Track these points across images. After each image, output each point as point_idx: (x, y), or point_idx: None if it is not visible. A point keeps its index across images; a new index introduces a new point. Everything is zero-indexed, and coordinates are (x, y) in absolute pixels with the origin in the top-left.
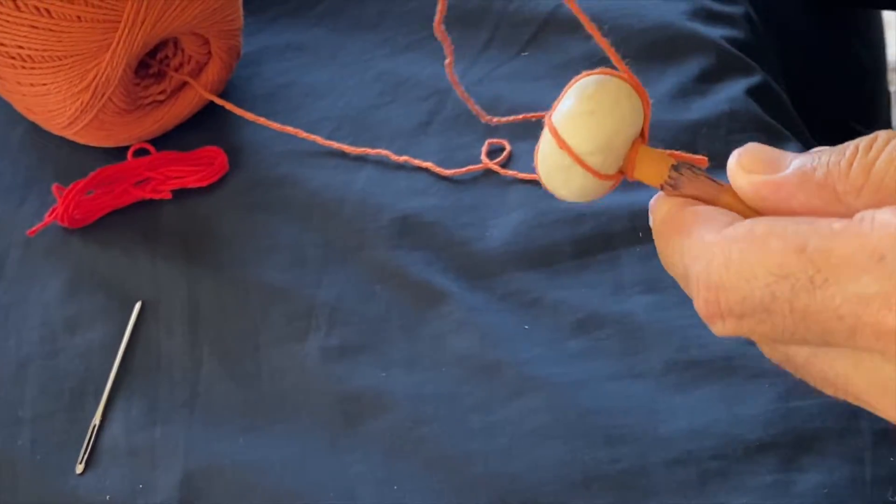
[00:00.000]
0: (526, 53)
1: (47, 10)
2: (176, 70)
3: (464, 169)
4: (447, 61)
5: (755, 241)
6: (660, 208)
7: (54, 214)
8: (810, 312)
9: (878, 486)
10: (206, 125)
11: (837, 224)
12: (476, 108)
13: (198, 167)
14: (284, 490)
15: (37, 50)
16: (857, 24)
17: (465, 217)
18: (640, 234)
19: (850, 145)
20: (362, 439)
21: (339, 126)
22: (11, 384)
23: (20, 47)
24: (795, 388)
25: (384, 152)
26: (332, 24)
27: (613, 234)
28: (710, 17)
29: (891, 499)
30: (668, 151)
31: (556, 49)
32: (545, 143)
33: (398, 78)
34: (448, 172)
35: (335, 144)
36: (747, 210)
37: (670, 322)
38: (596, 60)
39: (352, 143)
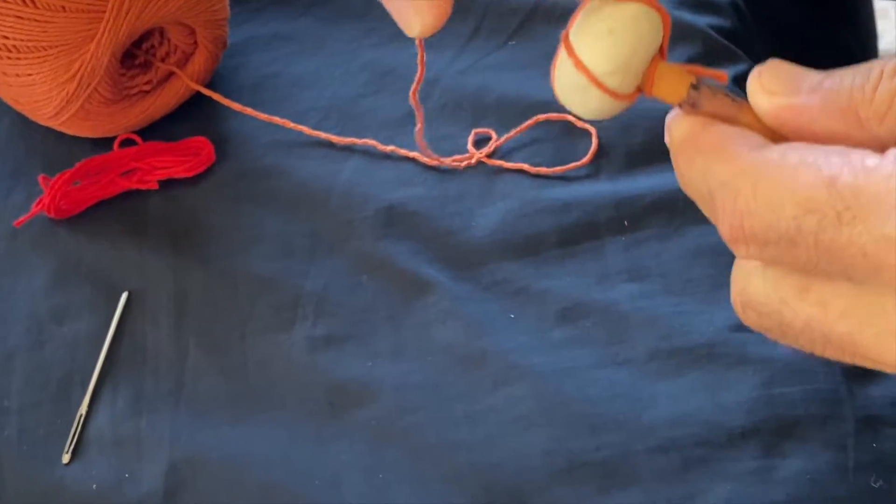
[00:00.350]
0: (513, 42)
1: (32, 1)
2: (162, 60)
3: (450, 159)
4: (417, 128)
5: (785, 170)
6: (679, 126)
7: (41, 205)
8: (836, 247)
9: (861, 473)
10: (192, 115)
11: (871, 160)
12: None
13: (184, 158)
14: (270, 480)
15: (22, 40)
16: (846, 14)
17: (452, 207)
18: (626, 223)
19: (874, 68)
20: (348, 428)
21: (325, 116)
22: None
23: (5, 38)
24: (778, 376)
25: (371, 142)
26: (319, 13)
27: (599, 224)
28: (698, 5)
29: (873, 485)
30: (688, 67)
31: (543, 38)
32: (561, 61)
33: (385, 68)
34: (434, 162)
35: (322, 134)
36: (768, 130)
37: (654, 310)
38: None
39: (338, 133)
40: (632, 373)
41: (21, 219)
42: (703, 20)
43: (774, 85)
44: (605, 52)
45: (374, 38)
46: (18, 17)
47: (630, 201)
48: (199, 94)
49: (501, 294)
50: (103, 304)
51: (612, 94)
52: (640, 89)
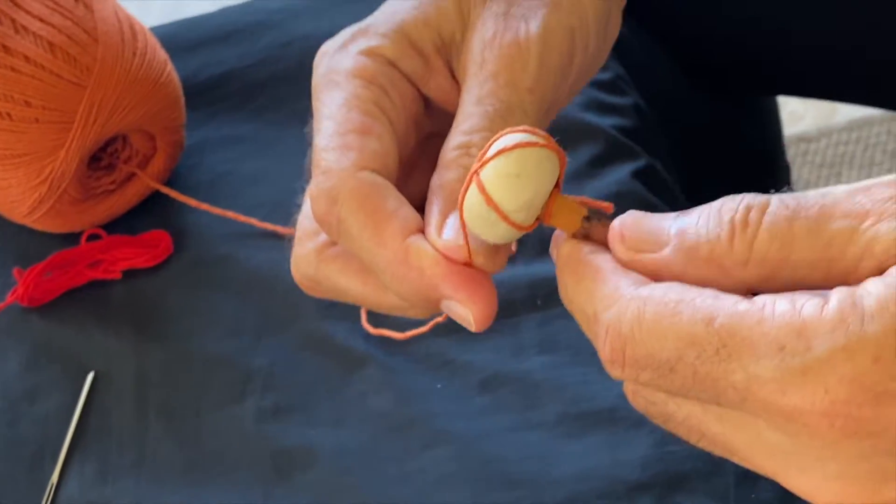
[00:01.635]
0: None
1: (8, 114)
2: (125, 162)
3: None
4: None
5: (668, 306)
6: (566, 246)
7: (15, 295)
8: (710, 378)
9: None
10: (152, 211)
11: (742, 305)
12: None
13: (145, 249)
14: None
15: None
16: (747, 107)
17: None
18: (539, 302)
19: (725, 218)
20: (293, 490)
21: (274, 209)
22: None
23: None
24: (669, 436)
25: None
26: (270, 117)
27: (515, 302)
28: (601, 107)
29: None
30: (580, 199)
31: None
32: (473, 195)
33: None
34: None
35: (270, 226)
36: None
37: (563, 379)
38: None
39: (285, 225)
40: (542, 435)
41: None
42: (606, 121)
43: (637, 243)
44: (513, 193)
45: None
46: None
47: (543, 283)
48: (158, 191)
49: (430, 366)
50: (71, 383)
51: (517, 226)
52: (539, 220)
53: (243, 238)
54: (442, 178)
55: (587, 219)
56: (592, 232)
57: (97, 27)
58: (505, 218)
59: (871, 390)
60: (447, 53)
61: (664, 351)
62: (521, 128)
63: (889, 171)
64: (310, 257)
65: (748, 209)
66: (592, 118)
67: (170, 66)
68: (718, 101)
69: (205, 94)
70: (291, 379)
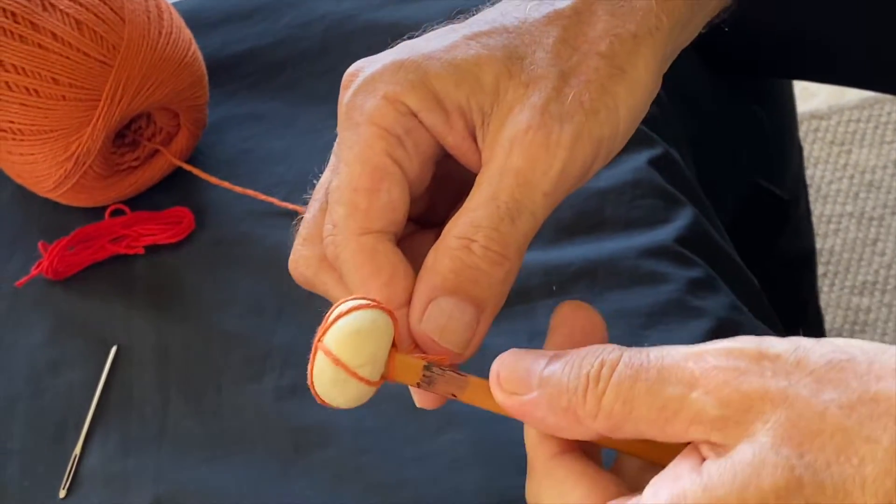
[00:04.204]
0: None
1: (35, 91)
2: (149, 139)
3: None
4: None
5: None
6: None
7: (40, 268)
8: None
9: None
10: (175, 188)
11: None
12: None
13: (168, 226)
14: None
15: (26, 125)
16: (762, 92)
17: None
18: (554, 288)
19: (583, 372)
20: (310, 467)
21: (293, 189)
22: (1, 419)
23: (11, 122)
24: None
25: None
26: (288, 97)
27: (531, 288)
28: None
29: None
30: (418, 354)
31: None
32: (320, 362)
33: None
34: None
35: (290, 205)
36: (493, 403)
37: None
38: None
39: (304, 205)
40: None
41: (22, 280)
42: None
43: (510, 385)
44: (356, 348)
45: (335, 121)
46: (23, 104)
47: (558, 269)
48: (180, 168)
49: None
50: (94, 356)
51: (366, 381)
52: (384, 377)
53: (263, 217)
54: (436, 261)
55: (427, 369)
56: (436, 382)
57: (124, 6)
58: (353, 374)
59: None
60: (470, 119)
61: None
62: (353, 296)
63: None
64: (311, 261)
65: (601, 365)
66: None
67: (194, 46)
68: (734, 84)
69: (226, 72)
70: (309, 358)
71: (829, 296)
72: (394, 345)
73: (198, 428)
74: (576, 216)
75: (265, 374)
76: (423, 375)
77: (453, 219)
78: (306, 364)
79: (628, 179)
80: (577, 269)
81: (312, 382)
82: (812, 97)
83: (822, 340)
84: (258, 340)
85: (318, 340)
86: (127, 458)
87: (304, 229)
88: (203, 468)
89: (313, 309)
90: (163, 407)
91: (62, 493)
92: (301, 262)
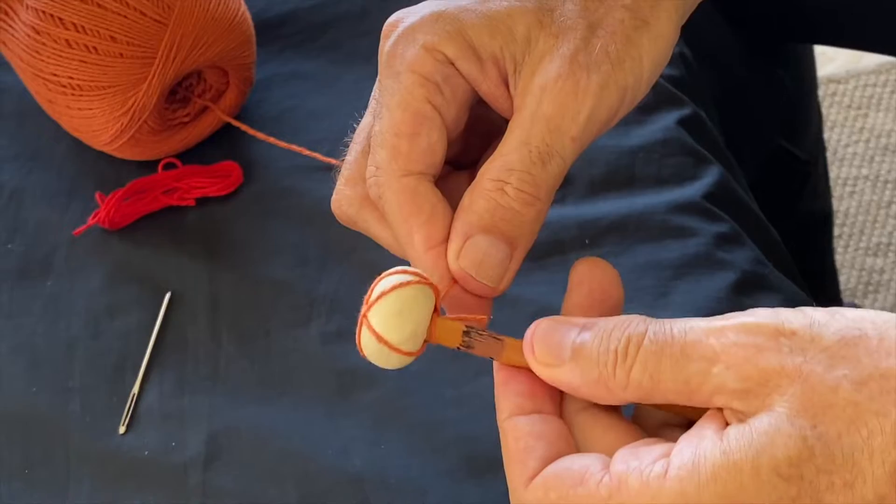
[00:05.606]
0: None
1: (94, 48)
2: (199, 96)
3: None
4: None
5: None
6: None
7: (97, 218)
8: None
9: None
10: (224, 143)
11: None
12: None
13: (217, 179)
14: (291, 448)
15: (85, 80)
16: (784, 55)
17: None
18: (587, 241)
19: (611, 347)
20: (355, 408)
21: (335, 144)
22: (62, 360)
23: (71, 78)
24: None
25: None
26: (332, 56)
27: (564, 241)
28: None
29: None
30: (458, 316)
31: None
32: (365, 335)
33: None
34: None
35: (333, 161)
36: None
37: None
38: None
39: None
40: None
41: (79, 229)
42: None
43: (544, 357)
44: (398, 328)
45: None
46: (83, 61)
47: (591, 223)
48: (229, 124)
49: None
50: (149, 302)
51: (408, 353)
52: (426, 341)
53: (308, 171)
54: (472, 202)
55: (467, 333)
56: (474, 343)
57: None
58: (396, 350)
59: None
60: (503, 67)
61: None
62: (398, 269)
63: None
64: (353, 200)
65: (628, 341)
66: None
67: (244, 7)
68: (758, 48)
69: (272, 32)
70: (353, 305)
71: (844, 257)
72: (435, 309)
73: (249, 370)
74: (608, 173)
75: (311, 320)
76: (463, 340)
77: (487, 162)
78: (350, 311)
79: (658, 138)
80: (610, 224)
81: (361, 348)
82: (830, 62)
83: (836, 314)
84: (304, 288)
85: (363, 316)
86: (182, 397)
87: (346, 170)
88: (253, 407)
89: (356, 260)
90: (215, 350)
91: (122, 430)
92: (344, 201)
